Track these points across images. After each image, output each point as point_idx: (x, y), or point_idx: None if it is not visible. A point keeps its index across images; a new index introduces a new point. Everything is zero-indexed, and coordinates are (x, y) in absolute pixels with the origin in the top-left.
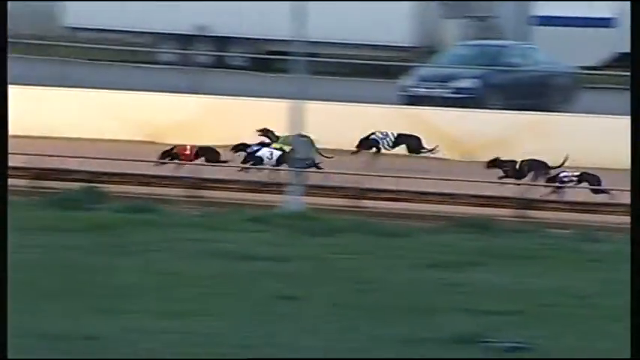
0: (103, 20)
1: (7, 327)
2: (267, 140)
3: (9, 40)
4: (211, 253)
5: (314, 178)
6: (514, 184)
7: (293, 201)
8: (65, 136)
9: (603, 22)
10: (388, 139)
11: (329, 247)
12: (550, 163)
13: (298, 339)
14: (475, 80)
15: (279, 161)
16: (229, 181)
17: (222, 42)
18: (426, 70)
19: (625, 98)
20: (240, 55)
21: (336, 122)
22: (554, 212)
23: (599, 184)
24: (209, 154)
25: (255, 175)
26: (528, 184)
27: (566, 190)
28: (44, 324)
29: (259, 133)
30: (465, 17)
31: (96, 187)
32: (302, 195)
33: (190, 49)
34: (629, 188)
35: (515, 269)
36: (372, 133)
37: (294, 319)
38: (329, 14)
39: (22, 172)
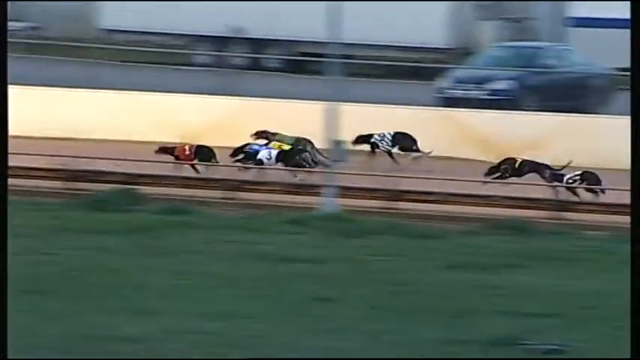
0: (138, 22)
1: (7, 327)
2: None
3: (42, 42)
4: (249, 254)
5: (349, 180)
6: (549, 185)
7: (328, 203)
8: (101, 138)
9: None
10: (386, 139)
11: (364, 248)
12: (585, 166)
13: (334, 340)
14: (511, 82)
15: (278, 160)
16: (266, 183)
17: (257, 44)
18: (461, 72)
19: None
20: (275, 56)
21: (371, 124)
22: (590, 214)
23: (599, 184)
24: (203, 153)
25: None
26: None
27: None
28: (83, 326)
29: (255, 136)
30: (501, 19)
31: (133, 189)
32: (337, 197)
33: (225, 51)
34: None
35: (552, 271)
36: (371, 135)
37: (331, 320)
38: (364, 16)
39: (58, 174)
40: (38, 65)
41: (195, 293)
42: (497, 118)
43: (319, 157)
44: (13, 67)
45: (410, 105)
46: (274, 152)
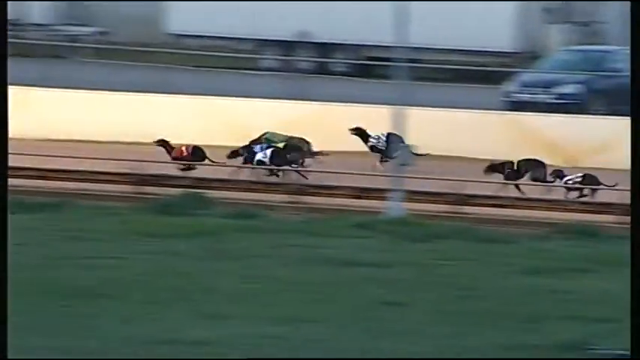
0: (205, 27)
1: (7, 327)
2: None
3: (111, 47)
4: (315, 259)
5: (417, 184)
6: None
7: (394, 207)
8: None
9: None
10: (382, 140)
11: (430, 253)
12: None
13: (401, 345)
14: (578, 86)
15: (272, 159)
16: (332, 187)
17: (324, 48)
18: (528, 76)
19: None
20: (342, 61)
21: (438, 128)
22: None
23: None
24: (198, 153)
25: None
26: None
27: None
28: (152, 330)
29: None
30: (568, 22)
31: (200, 193)
32: (403, 201)
33: (292, 56)
34: None
35: (621, 276)
36: (369, 136)
37: (397, 325)
38: (431, 20)
39: (127, 178)
40: (107, 70)
41: (261, 297)
42: (564, 122)
43: (309, 158)
44: (82, 72)
45: (476, 109)
46: (268, 152)
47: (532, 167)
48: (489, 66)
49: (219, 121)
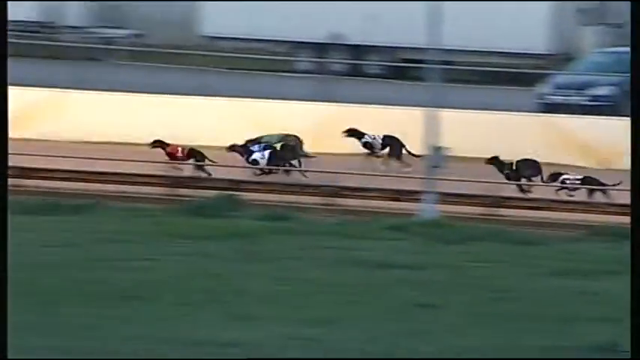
0: (241, 29)
1: (7, 327)
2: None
3: (146, 49)
4: (348, 261)
5: (450, 186)
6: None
7: (428, 209)
8: (202, 144)
9: None
10: (377, 140)
11: (464, 255)
12: None
13: (434, 346)
14: (612, 88)
15: (270, 159)
16: (365, 189)
17: (358, 50)
18: (562, 78)
19: None
20: (376, 63)
21: (472, 130)
22: None
23: (601, 186)
24: (198, 155)
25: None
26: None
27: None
28: (185, 331)
29: (249, 142)
30: (602, 24)
31: (233, 194)
32: (436, 203)
33: (326, 58)
34: None
35: None
36: (363, 135)
37: (431, 327)
38: (465, 22)
39: (160, 180)
40: (141, 72)
41: (294, 299)
42: (597, 124)
43: (300, 156)
44: (117, 74)
45: (510, 111)
46: (267, 152)
47: (528, 167)
48: (523, 68)
49: (254, 123)
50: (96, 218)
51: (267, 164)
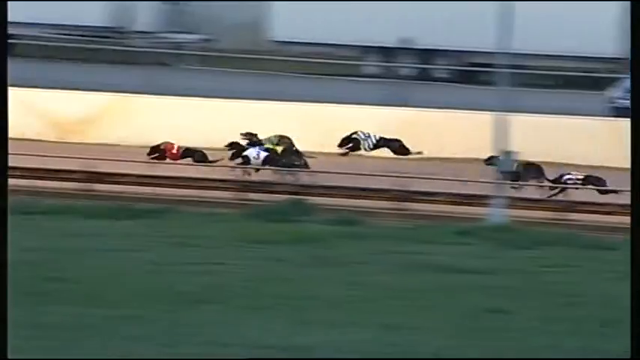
0: (310, 34)
1: (7, 327)
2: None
3: (215, 54)
4: (417, 265)
5: (520, 190)
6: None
7: (496, 213)
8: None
9: None
10: (370, 140)
11: (534, 259)
12: None
13: (507, 352)
14: None
15: (266, 161)
16: (434, 194)
17: (426, 54)
18: None
19: None
20: (444, 67)
21: (542, 135)
22: None
23: (605, 186)
24: (197, 155)
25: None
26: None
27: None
28: (256, 335)
29: (243, 137)
30: None
31: (303, 199)
32: (505, 207)
33: (394, 62)
34: None
35: None
36: (354, 133)
37: (502, 332)
38: (534, 26)
39: (230, 185)
40: (211, 77)
41: (364, 304)
42: None
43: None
44: (186, 79)
45: (580, 115)
46: (263, 153)
47: (530, 170)
48: (593, 72)
49: (322, 127)
50: (167, 223)
51: (262, 164)
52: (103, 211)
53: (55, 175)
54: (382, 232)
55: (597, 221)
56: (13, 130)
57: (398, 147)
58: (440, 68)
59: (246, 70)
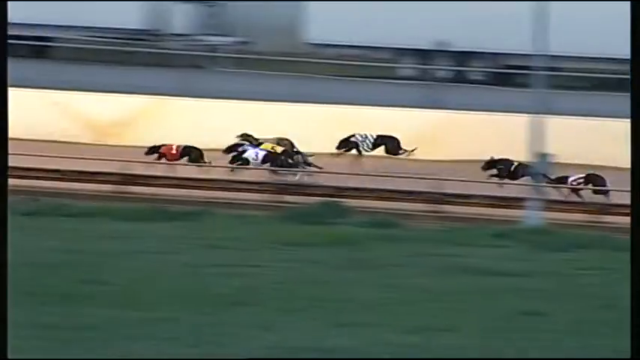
0: (345, 36)
1: (7, 327)
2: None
3: (252, 57)
4: (453, 268)
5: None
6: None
7: (532, 216)
8: (309, 152)
9: None
10: (368, 140)
11: (570, 262)
12: None
13: (542, 355)
14: None
15: (264, 161)
16: (469, 196)
17: (462, 56)
18: None
19: None
20: (480, 69)
21: (578, 137)
22: None
23: (604, 186)
24: (193, 153)
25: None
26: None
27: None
28: (290, 337)
29: (240, 138)
30: None
31: (338, 201)
32: (541, 210)
33: (430, 64)
34: None
35: None
36: (352, 135)
37: (538, 335)
38: (570, 28)
39: (265, 187)
40: (246, 80)
41: (399, 306)
42: None
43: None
44: (221, 81)
45: (616, 117)
46: (261, 153)
47: (527, 170)
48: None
49: (355, 129)
50: (202, 225)
51: (261, 164)
52: (138, 214)
53: (91, 177)
54: (418, 235)
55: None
56: (49, 132)
57: (392, 145)
58: (475, 70)
59: (281, 73)
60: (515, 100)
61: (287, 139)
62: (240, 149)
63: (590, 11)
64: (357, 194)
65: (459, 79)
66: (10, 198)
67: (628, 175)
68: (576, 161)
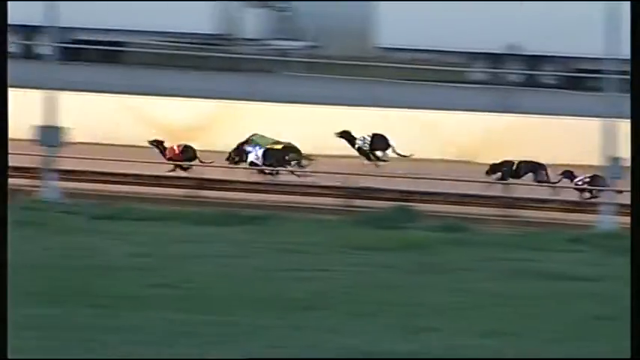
0: (416, 40)
1: (7, 327)
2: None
3: (322, 61)
4: (525, 272)
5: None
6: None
7: (606, 220)
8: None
9: None
10: (366, 140)
11: None
12: None
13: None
14: None
15: (265, 158)
16: (541, 200)
17: (533, 60)
18: None
19: None
20: (551, 73)
21: None
22: None
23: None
24: (189, 152)
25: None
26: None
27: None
28: (361, 342)
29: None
30: None
31: (409, 206)
32: (615, 214)
33: (501, 68)
34: None
35: None
36: (354, 138)
37: (611, 340)
38: None
39: (336, 191)
40: (316, 84)
41: (470, 311)
42: None
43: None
44: (292, 86)
45: None
46: (260, 152)
47: (532, 169)
48: None
49: (427, 134)
50: (272, 229)
51: (263, 163)
52: (209, 218)
53: (162, 181)
54: (490, 239)
55: None
56: (122, 136)
57: (383, 144)
58: (547, 74)
59: (352, 77)
60: (587, 104)
61: (288, 142)
62: (246, 148)
63: None
64: (428, 198)
65: (531, 82)
66: (84, 201)
67: None
68: None
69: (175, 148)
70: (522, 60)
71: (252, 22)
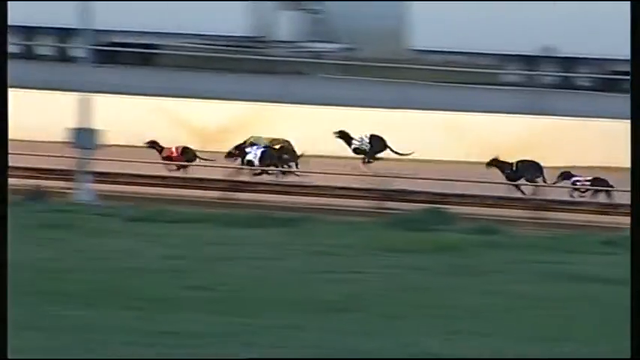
0: (449, 42)
1: (7, 327)
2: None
3: (357, 63)
4: (558, 275)
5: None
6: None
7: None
8: (409, 158)
9: None
10: (365, 141)
11: None
12: None
13: None
14: None
15: (262, 158)
16: (574, 203)
17: (568, 62)
18: None
19: None
20: (586, 75)
21: None
22: None
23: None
24: (188, 153)
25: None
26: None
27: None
28: (394, 344)
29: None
30: None
31: (441, 208)
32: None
33: (535, 70)
34: None
35: None
36: (351, 138)
37: None
38: None
39: (368, 194)
40: (350, 86)
41: (503, 313)
42: None
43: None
44: (326, 88)
45: None
46: (258, 152)
47: (528, 169)
48: None
49: (458, 136)
50: (305, 231)
51: (260, 163)
52: (243, 220)
53: (196, 183)
54: (523, 242)
55: None
56: (156, 139)
57: (380, 146)
58: (582, 76)
59: (386, 79)
60: (622, 107)
61: (284, 140)
62: (246, 149)
63: None
64: (461, 201)
65: (565, 85)
66: (119, 204)
67: None
68: None
69: (174, 149)
70: (556, 62)
71: (286, 25)
